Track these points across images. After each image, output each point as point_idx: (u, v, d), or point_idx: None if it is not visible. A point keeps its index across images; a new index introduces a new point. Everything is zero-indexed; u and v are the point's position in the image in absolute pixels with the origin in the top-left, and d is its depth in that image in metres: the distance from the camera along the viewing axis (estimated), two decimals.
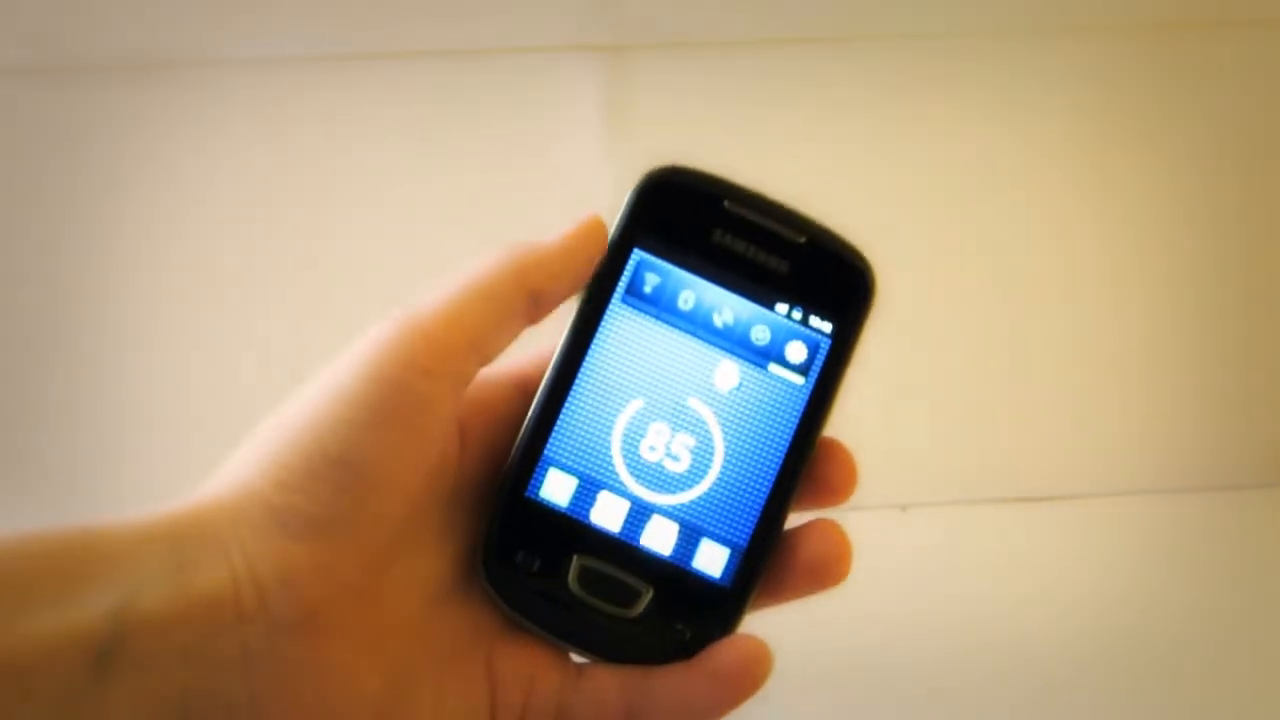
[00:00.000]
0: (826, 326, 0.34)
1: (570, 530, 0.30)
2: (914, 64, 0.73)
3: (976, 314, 0.78)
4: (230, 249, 0.73)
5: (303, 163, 0.72)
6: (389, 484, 0.27)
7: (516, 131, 0.72)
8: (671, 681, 0.31)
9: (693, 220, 0.33)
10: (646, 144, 0.73)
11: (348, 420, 0.27)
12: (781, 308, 0.33)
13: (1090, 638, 0.66)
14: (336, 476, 0.26)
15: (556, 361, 0.31)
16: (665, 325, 0.32)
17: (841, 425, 0.79)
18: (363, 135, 0.72)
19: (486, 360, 0.30)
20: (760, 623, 0.68)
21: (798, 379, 0.34)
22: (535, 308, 0.31)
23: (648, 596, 0.31)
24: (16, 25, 0.69)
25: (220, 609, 0.25)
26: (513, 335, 0.30)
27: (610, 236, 0.33)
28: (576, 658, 0.32)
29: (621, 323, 0.31)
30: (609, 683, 0.31)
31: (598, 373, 0.31)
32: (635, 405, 0.31)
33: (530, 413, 0.31)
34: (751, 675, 0.31)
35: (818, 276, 0.34)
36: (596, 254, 0.33)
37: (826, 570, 0.35)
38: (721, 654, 0.31)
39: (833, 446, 0.35)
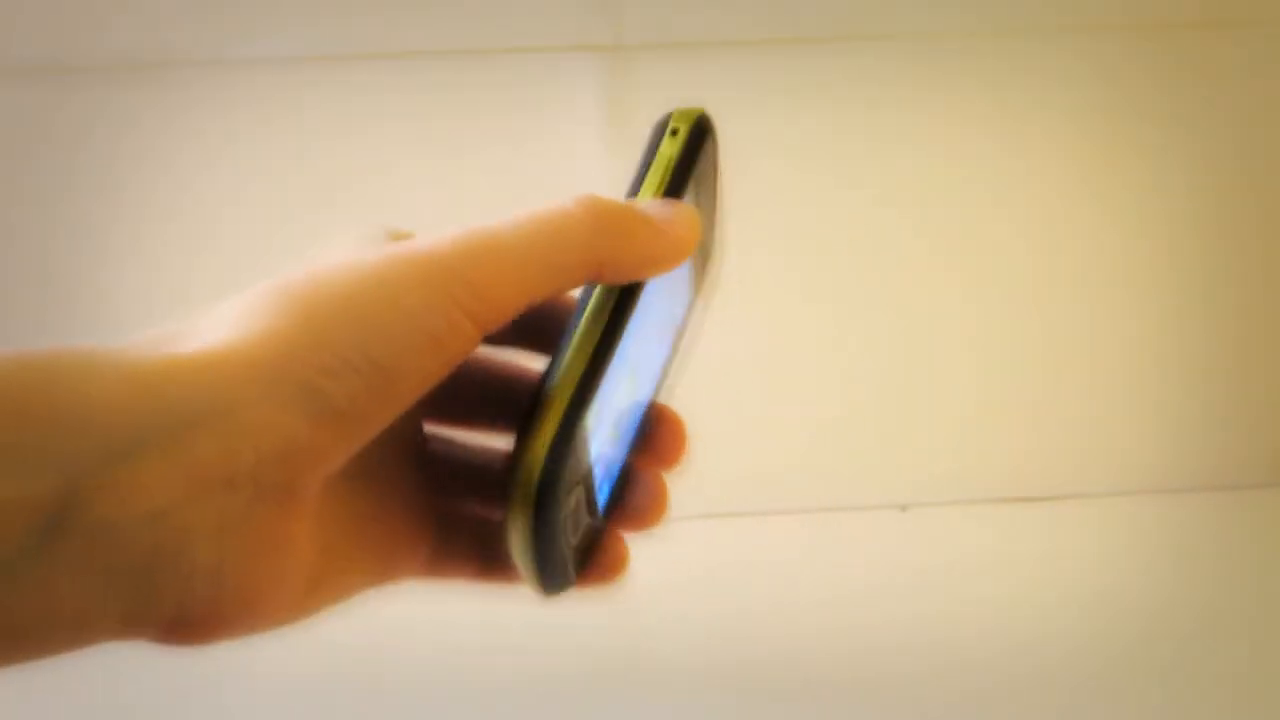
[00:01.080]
0: None
1: (586, 463, 0.31)
2: (913, 64, 0.73)
3: (976, 314, 0.78)
4: (230, 248, 0.73)
5: (302, 162, 0.72)
6: (408, 398, 0.27)
7: (516, 131, 0.72)
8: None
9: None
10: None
11: (396, 330, 0.27)
12: None
13: (1090, 637, 0.66)
14: (373, 378, 0.26)
15: (618, 296, 0.32)
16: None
17: (843, 425, 0.79)
18: (363, 135, 0.72)
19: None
20: (760, 622, 0.68)
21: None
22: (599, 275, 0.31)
23: (586, 528, 0.32)
24: (16, 25, 0.69)
25: (210, 476, 0.25)
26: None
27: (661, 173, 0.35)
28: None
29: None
30: (470, 534, 0.34)
31: (640, 310, 0.32)
32: (636, 346, 0.33)
33: (590, 341, 0.31)
34: (616, 571, 0.35)
35: None
36: (686, 249, 0.33)
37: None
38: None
39: (665, 415, 0.36)
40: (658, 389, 0.37)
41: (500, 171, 0.73)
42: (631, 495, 0.35)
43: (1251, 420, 0.81)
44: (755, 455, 0.79)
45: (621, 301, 0.31)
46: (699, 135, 0.36)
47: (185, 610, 0.25)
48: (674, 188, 0.34)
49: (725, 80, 0.73)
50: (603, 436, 0.32)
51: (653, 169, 0.35)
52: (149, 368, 0.25)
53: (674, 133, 0.35)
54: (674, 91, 0.72)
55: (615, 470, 0.34)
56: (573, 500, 0.30)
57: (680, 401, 0.77)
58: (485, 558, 0.35)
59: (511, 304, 0.28)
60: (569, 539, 0.31)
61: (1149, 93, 0.74)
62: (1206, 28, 0.73)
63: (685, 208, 0.33)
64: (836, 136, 0.74)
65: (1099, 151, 0.75)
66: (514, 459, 0.29)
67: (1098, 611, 0.68)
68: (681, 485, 0.84)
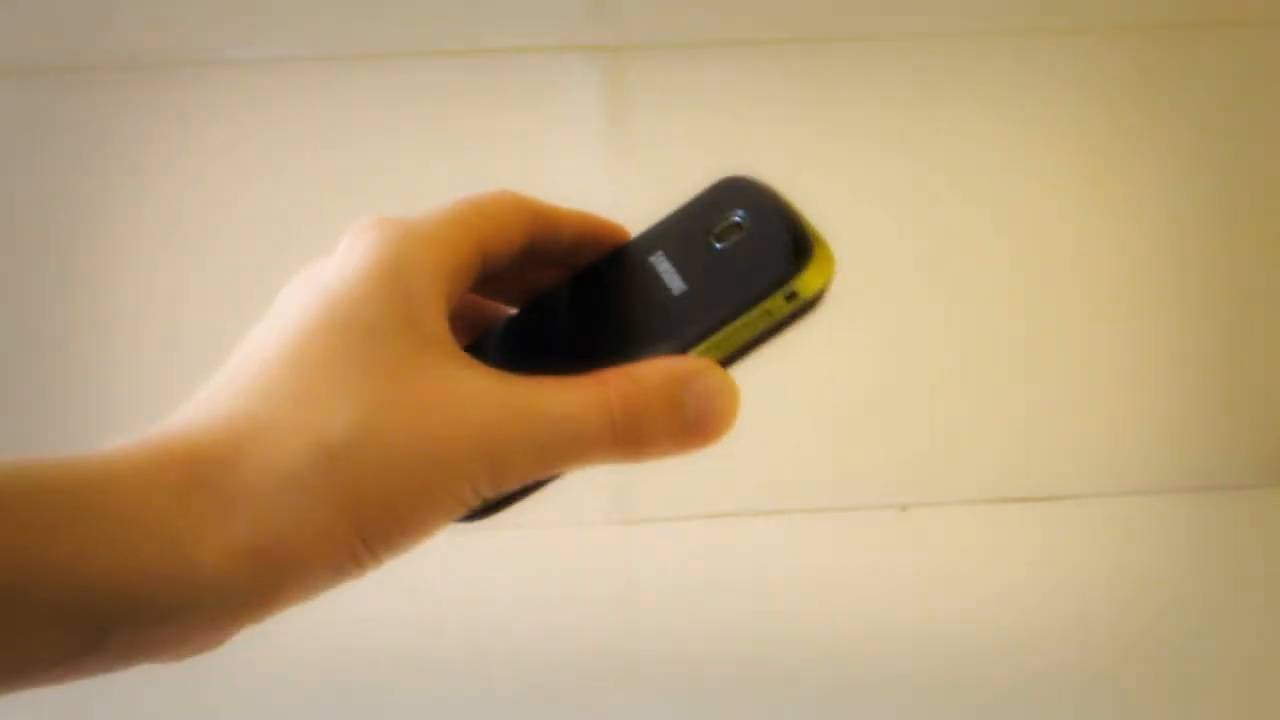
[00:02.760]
0: None
1: None
2: (913, 64, 0.73)
3: (976, 315, 0.78)
4: (229, 247, 0.73)
5: (302, 162, 0.72)
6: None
7: (516, 131, 0.72)
8: None
9: None
10: (646, 144, 0.73)
11: (425, 523, 0.28)
12: None
13: (1090, 636, 0.66)
14: (387, 559, 0.28)
15: None
16: None
17: (843, 425, 0.79)
18: (362, 135, 0.72)
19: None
20: (760, 623, 0.68)
21: None
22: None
23: None
24: (16, 25, 0.69)
25: (235, 628, 0.27)
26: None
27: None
28: None
29: None
30: None
31: None
32: None
33: None
34: None
35: None
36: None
37: None
38: None
39: None
40: None
41: (500, 171, 0.73)
42: None
43: (1251, 420, 0.81)
44: (755, 455, 0.79)
45: None
46: (811, 305, 0.31)
47: (159, 648, 0.27)
48: (744, 353, 0.32)
49: (725, 80, 0.73)
50: None
51: (743, 323, 0.30)
52: (201, 547, 0.26)
53: (790, 297, 0.30)
54: (674, 91, 0.72)
55: None
56: None
57: None
58: None
59: (519, 483, 0.30)
60: None
61: (1150, 93, 0.74)
62: (1206, 28, 0.73)
63: (734, 402, 0.32)
64: (836, 137, 0.74)
65: (1097, 152, 0.75)
66: None
67: (1097, 611, 0.68)
68: (682, 485, 0.84)
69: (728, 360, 0.31)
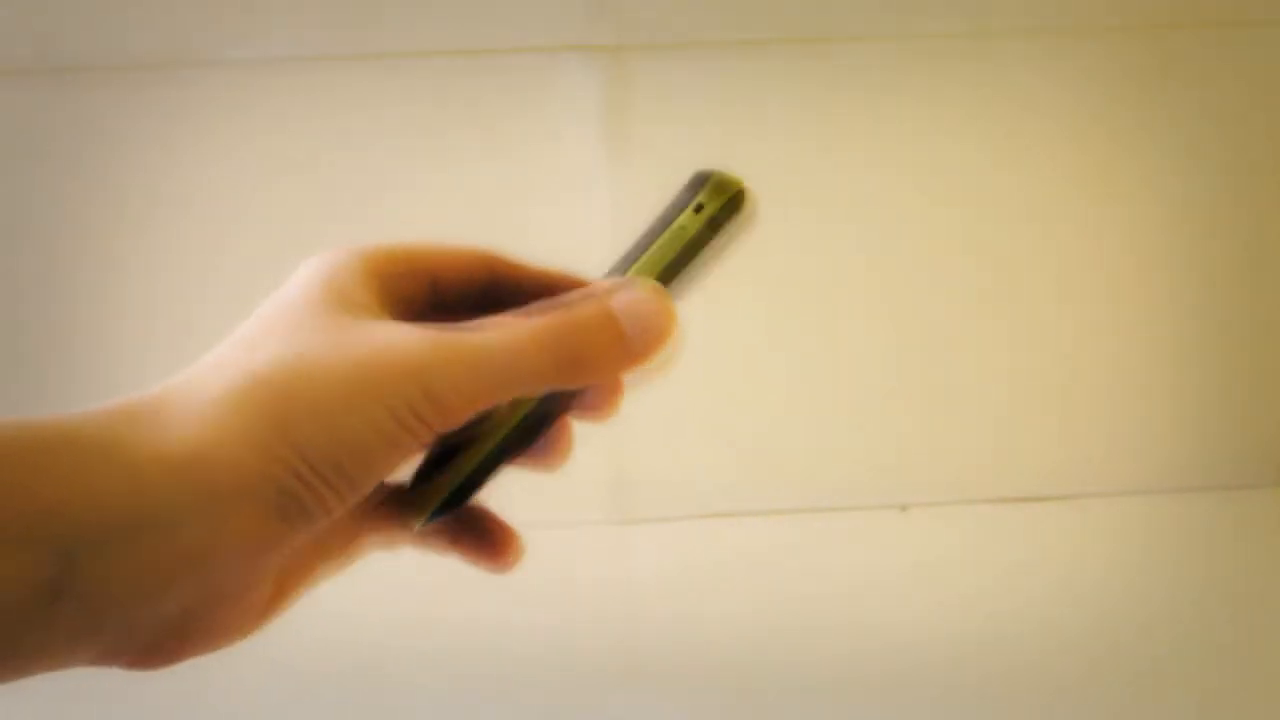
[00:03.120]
0: None
1: None
2: (913, 64, 0.73)
3: (976, 315, 0.78)
4: (228, 249, 0.73)
5: (302, 163, 0.72)
6: (366, 491, 0.30)
7: (516, 131, 0.72)
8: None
9: None
10: (646, 144, 0.73)
11: (365, 443, 0.29)
12: None
13: (1090, 636, 0.66)
14: (340, 486, 0.29)
15: None
16: None
17: (843, 425, 0.79)
18: (362, 135, 0.72)
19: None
20: (760, 622, 0.68)
21: None
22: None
23: None
24: (16, 25, 0.69)
25: (192, 560, 0.27)
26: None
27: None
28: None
29: None
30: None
31: None
32: None
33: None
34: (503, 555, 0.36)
35: None
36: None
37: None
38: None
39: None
40: None
41: (499, 171, 0.73)
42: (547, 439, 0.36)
43: (1251, 420, 0.81)
44: (755, 455, 0.79)
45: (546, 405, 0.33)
46: (724, 217, 0.34)
47: (154, 645, 0.28)
48: (671, 273, 0.34)
49: (725, 80, 0.73)
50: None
51: (661, 243, 0.34)
52: (142, 460, 0.27)
53: (699, 209, 0.34)
54: (674, 91, 0.72)
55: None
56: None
57: (681, 402, 0.78)
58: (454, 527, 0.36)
59: (467, 412, 0.30)
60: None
61: (1149, 93, 0.74)
62: (1206, 28, 0.73)
63: (666, 309, 0.33)
64: (836, 136, 0.74)
65: (1097, 152, 0.75)
66: (419, 477, 0.33)
67: (1097, 611, 0.68)
68: (682, 485, 0.84)
69: (662, 280, 0.33)
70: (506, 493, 0.36)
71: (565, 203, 0.73)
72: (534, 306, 0.32)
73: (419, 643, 0.67)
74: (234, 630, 0.30)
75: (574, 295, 0.32)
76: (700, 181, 0.34)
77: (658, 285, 0.33)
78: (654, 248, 0.33)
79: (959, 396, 0.79)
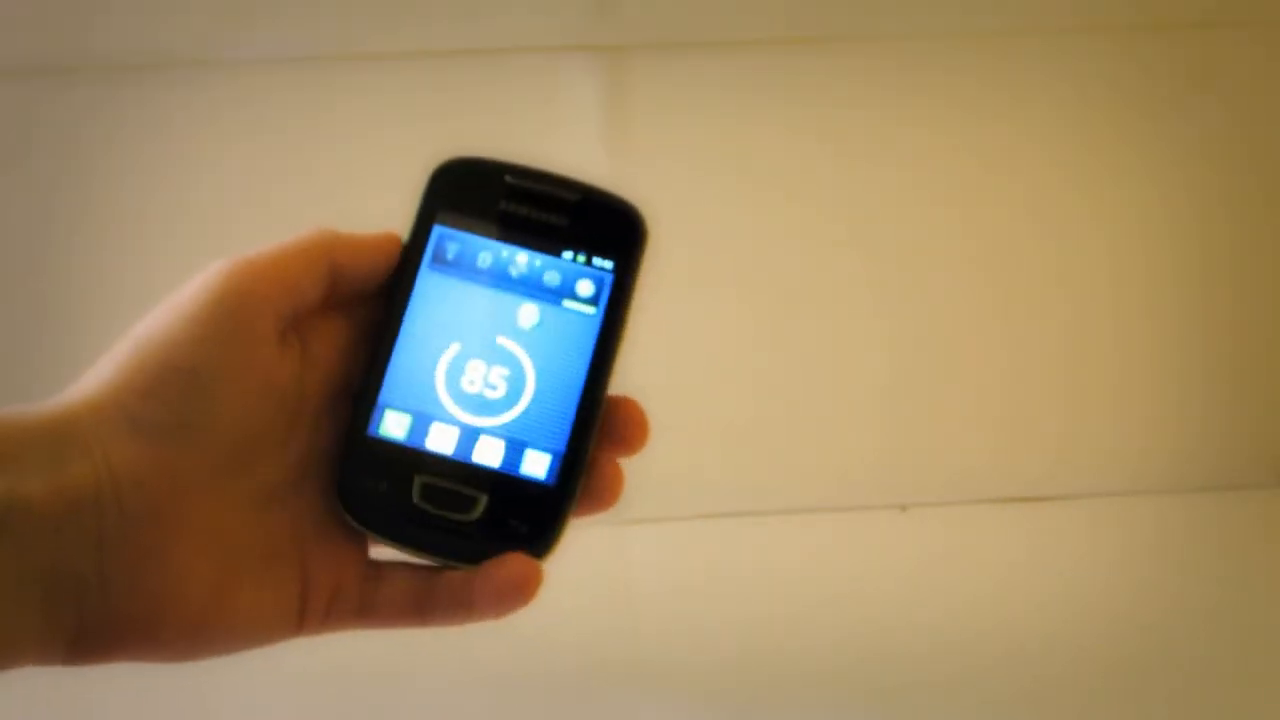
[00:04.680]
0: (608, 264, 0.39)
1: (409, 457, 0.37)
2: (912, 64, 0.73)
3: (976, 315, 0.78)
4: (228, 249, 0.73)
5: (301, 162, 0.72)
6: (226, 393, 0.32)
7: (516, 131, 0.72)
8: (455, 581, 0.36)
9: (481, 195, 0.41)
10: (646, 143, 0.73)
11: (191, 336, 0.32)
12: (567, 254, 0.39)
13: (1089, 636, 0.66)
14: (183, 384, 0.32)
15: (379, 321, 0.38)
16: (469, 282, 0.39)
17: (843, 425, 0.79)
18: (361, 135, 0.72)
19: (299, 304, 0.35)
20: (761, 623, 0.68)
21: (589, 309, 0.39)
22: (338, 275, 0.37)
23: (483, 502, 0.37)
24: (16, 25, 0.69)
25: (84, 500, 0.30)
26: (319, 290, 0.36)
27: (413, 219, 0.40)
28: (377, 554, 0.37)
29: (431, 285, 0.38)
30: (402, 581, 0.36)
31: (416, 326, 0.38)
32: (453, 349, 0.38)
33: (362, 366, 0.37)
34: (520, 591, 0.36)
35: (594, 225, 0.40)
36: (390, 249, 0.39)
37: (630, 437, 0.38)
38: (501, 567, 0.36)
39: (625, 403, 0.38)
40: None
41: None
42: (589, 480, 0.38)
43: (1251, 420, 0.81)
44: (756, 455, 0.79)
45: (390, 303, 0.38)
46: (435, 175, 0.42)
47: (84, 624, 0.30)
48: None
49: (725, 80, 0.73)
50: (447, 419, 0.37)
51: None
52: (34, 417, 0.31)
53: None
54: (674, 91, 0.72)
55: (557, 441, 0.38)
56: (416, 486, 0.36)
57: (681, 403, 0.77)
58: (422, 597, 0.37)
59: (279, 282, 0.34)
60: (441, 517, 0.36)
61: (1148, 93, 0.74)
62: (1206, 28, 0.73)
63: (387, 231, 0.39)
64: (836, 136, 0.74)
65: (1098, 152, 0.75)
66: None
67: (1097, 611, 0.68)
68: (682, 485, 0.84)
69: None
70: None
71: None
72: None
73: (419, 642, 0.67)
74: (163, 624, 0.31)
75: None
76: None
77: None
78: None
79: (959, 396, 0.79)
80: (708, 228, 0.74)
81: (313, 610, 0.35)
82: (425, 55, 0.71)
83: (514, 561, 0.36)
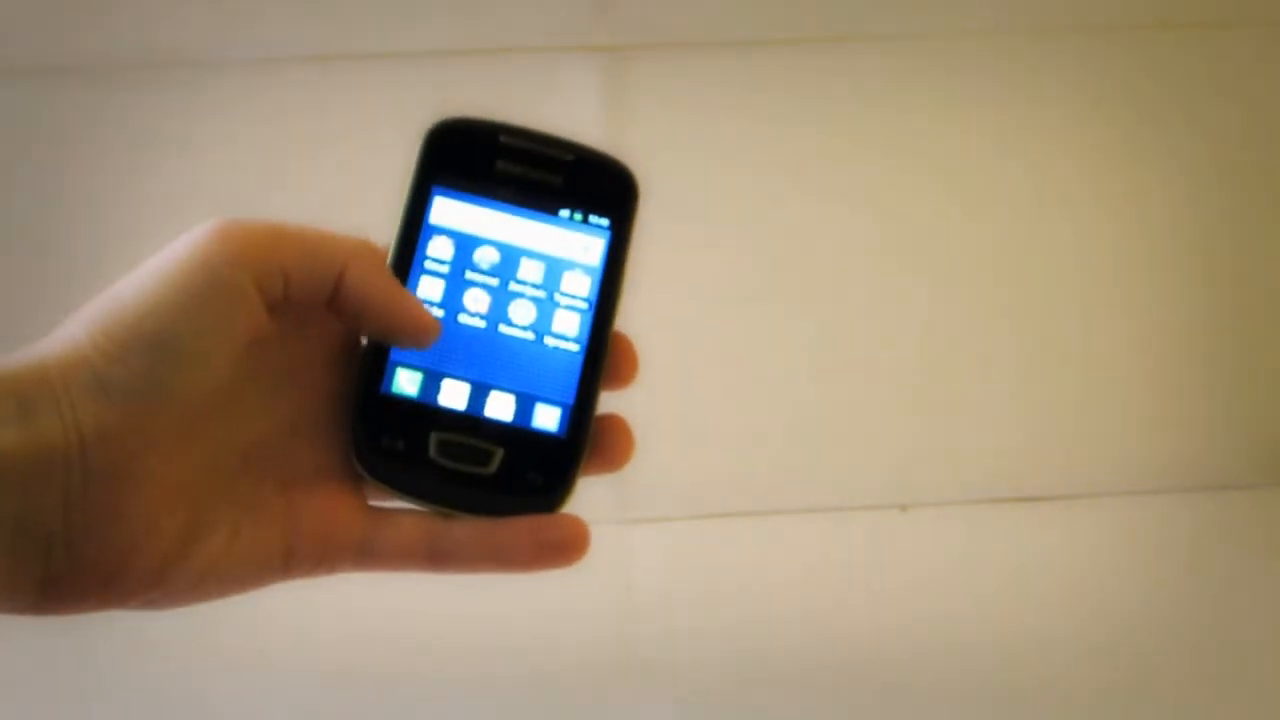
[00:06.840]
0: (604, 221, 0.40)
1: (424, 413, 0.37)
2: (912, 64, 0.73)
3: (977, 315, 0.78)
4: None
5: (301, 162, 0.72)
6: (197, 359, 0.32)
7: None
8: (478, 531, 0.36)
9: (476, 155, 0.40)
10: (646, 143, 0.73)
11: (165, 301, 0.32)
12: (564, 212, 0.40)
13: (1089, 636, 0.66)
14: (151, 351, 0.32)
15: None
16: (469, 241, 0.39)
17: (844, 424, 0.79)
18: (361, 135, 0.72)
19: (289, 286, 0.36)
20: (760, 622, 0.68)
21: (589, 264, 0.40)
22: (334, 292, 0.36)
23: (499, 454, 0.37)
24: (16, 25, 0.69)
25: (52, 453, 0.30)
26: (315, 286, 0.36)
27: (410, 183, 0.41)
28: (377, 504, 0.37)
29: (432, 246, 0.39)
30: (409, 526, 0.36)
31: (423, 289, 0.38)
32: (460, 310, 0.38)
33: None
34: (572, 549, 0.37)
35: (589, 183, 0.41)
36: (407, 303, 0.37)
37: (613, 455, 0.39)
38: (555, 525, 0.37)
39: (620, 340, 0.39)
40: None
41: None
42: (600, 440, 0.39)
43: (1251, 420, 0.81)
44: (755, 456, 0.79)
45: (395, 269, 0.38)
46: (428, 139, 0.41)
47: (50, 575, 0.30)
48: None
49: (725, 80, 0.73)
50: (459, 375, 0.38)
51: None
52: (2, 365, 0.32)
53: None
54: (674, 91, 0.72)
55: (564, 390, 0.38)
56: (433, 441, 0.37)
57: (681, 403, 0.78)
58: (436, 543, 0.36)
59: (274, 258, 0.35)
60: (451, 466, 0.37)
61: (1148, 93, 0.74)
62: (1207, 28, 0.73)
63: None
64: (836, 136, 0.74)
65: (1097, 151, 0.75)
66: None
67: (1097, 611, 0.68)
68: (682, 485, 0.84)
69: None
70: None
71: None
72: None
73: (419, 642, 0.67)
74: (127, 574, 0.31)
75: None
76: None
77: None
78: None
79: (960, 396, 0.79)
80: (707, 227, 0.74)
81: (301, 556, 0.35)
82: (425, 55, 0.71)
83: (567, 522, 0.37)
